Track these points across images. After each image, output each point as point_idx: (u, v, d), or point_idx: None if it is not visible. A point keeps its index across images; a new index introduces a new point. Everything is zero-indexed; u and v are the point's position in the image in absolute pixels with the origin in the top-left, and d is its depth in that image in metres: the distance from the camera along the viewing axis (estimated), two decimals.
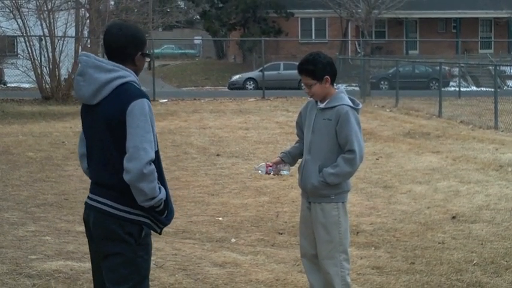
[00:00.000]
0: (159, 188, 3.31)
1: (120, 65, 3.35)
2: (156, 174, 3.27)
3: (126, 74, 3.33)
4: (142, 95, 3.30)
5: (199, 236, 6.97)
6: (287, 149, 4.79)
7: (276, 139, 14.27)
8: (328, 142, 4.41)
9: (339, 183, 4.41)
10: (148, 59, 3.50)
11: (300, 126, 4.69)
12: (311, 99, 4.57)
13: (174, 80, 40.12)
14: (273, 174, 4.74)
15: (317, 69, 4.36)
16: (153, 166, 3.24)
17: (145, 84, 26.39)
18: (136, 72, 3.44)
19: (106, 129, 3.30)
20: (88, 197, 3.49)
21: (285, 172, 4.74)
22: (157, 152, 3.36)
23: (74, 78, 3.43)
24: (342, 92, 4.48)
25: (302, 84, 4.56)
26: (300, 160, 4.70)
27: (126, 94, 3.28)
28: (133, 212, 3.34)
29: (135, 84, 3.36)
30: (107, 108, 3.29)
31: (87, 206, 3.48)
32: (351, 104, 4.41)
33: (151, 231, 3.48)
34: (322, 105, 4.45)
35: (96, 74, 3.30)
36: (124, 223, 3.34)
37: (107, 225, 3.35)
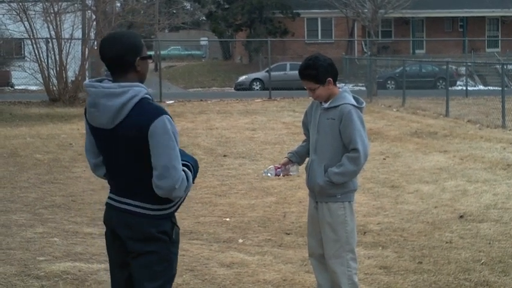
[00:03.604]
0: (185, 173, 3.33)
1: (127, 84, 3.31)
2: (184, 176, 3.32)
3: (136, 92, 3.30)
4: (161, 112, 3.29)
5: (207, 237, 6.98)
6: (294, 149, 4.80)
7: (283, 139, 14.28)
8: (333, 141, 4.42)
9: (344, 182, 4.42)
10: (150, 61, 3.48)
11: (306, 125, 4.71)
12: None
13: (181, 81, 40.17)
14: (283, 176, 4.75)
15: (319, 73, 4.38)
16: (182, 175, 3.29)
17: (151, 85, 26.47)
18: (142, 78, 3.42)
19: (128, 149, 3.31)
20: (111, 199, 3.47)
21: (294, 172, 4.75)
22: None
23: (87, 109, 3.39)
24: (346, 91, 4.49)
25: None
26: (307, 160, 4.72)
27: (145, 114, 3.26)
28: (164, 208, 3.38)
29: (149, 98, 3.34)
30: (126, 132, 3.28)
31: (112, 207, 3.46)
32: (354, 102, 4.42)
33: (180, 230, 3.53)
34: (326, 105, 4.46)
35: (109, 102, 3.28)
36: (157, 222, 3.37)
37: (140, 226, 3.36)
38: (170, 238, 3.40)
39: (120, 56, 3.33)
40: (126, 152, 3.33)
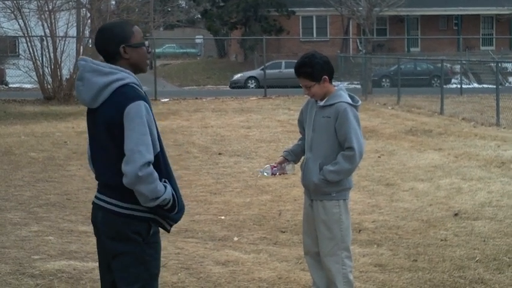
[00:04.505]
0: (165, 187, 3.30)
1: (118, 67, 3.34)
2: (155, 175, 3.25)
3: (124, 76, 3.32)
4: (139, 97, 3.28)
5: (202, 235, 6.98)
6: (289, 147, 4.81)
7: (278, 137, 14.28)
8: (328, 140, 4.42)
9: (339, 180, 4.42)
10: (146, 48, 3.45)
11: (302, 123, 4.71)
12: None
13: (176, 79, 40.13)
14: (279, 174, 4.76)
15: (315, 71, 4.37)
16: (150, 168, 3.23)
17: (146, 83, 26.38)
18: (136, 66, 3.41)
19: (106, 131, 3.31)
20: (95, 197, 3.48)
21: (290, 171, 4.75)
22: (162, 152, 3.36)
23: (75, 82, 3.44)
24: (341, 89, 4.49)
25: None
26: (302, 158, 4.72)
27: (123, 97, 3.27)
28: (141, 209, 3.34)
29: (135, 86, 3.34)
30: (106, 112, 3.29)
31: (95, 206, 3.47)
32: (349, 101, 4.42)
33: (160, 229, 3.48)
34: (321, 103, 4.46)
35: (94, 78, 3.30)
36: (132, 221, 3.34)
37: (115, 224, 3.35)
38: (144, 239, 3.37)
39: (103, 46, 3.40)
40: (105, 135, 3.32)
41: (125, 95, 3.28)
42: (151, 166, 3.24)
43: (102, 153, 3.39)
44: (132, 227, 3.34)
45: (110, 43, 3.37)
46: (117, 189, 3.34)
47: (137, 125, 3.23)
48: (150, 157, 3.24)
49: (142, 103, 3.27)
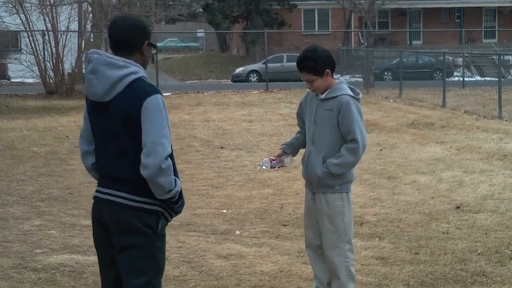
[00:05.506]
0: (175, 180, 3.34)
1: (131, 61, 3.36)
2: (172, 167, 3.30)
3: (137, 70, 3.35)
4: (156, 91, 3.33)
5: (204, 229, 6.99)
6: (288, 141, 4.82)
7: (280, 131, 14.28)
8: (331, 132, 4.42)
9: (343, 173, 4.42)
10: (154, 50, 3.52)
11: (300, 117, 4.71)
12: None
13: (178, 73, 40.09)
14: (278, 167, 4.77)
15: (318, 65, 4.37)
16: (170, 160, 3.28)
17: (148, 77, 26.25)
18: (144, 64, 3.46)
19: (121, 124, 3.31)
20: (98, 192, 3.47)
21: (288, 164, 4.77)
22: (170, 146, 3.39)
23: (85, 76, 3.41)
24: (342, 82, 4.49)
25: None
26: (302, 151, 4.72)
27: (140, 90, 3.30)
28: (150, 202, 3.37)
29: (147, 80, 3.38)
30: (121, 105, 3.29)
31: (100, 200, 3.46)
32: (351, 93, 4.42)
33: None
34: (322, 96, 4.46)
35: (109, 71, 3.31)
36: (142, 214, 3.35)
37: (125, 218, 3.35)
38: (155, 232, 3.39)
39: (130, 37, 3.38)
40: (120, 128, 3.32)
41: (141, 88, 3.31)
42: (169, 158, 3.29)
43: (113, 147, 3.38)
44: (142, 220, 3.36)
45: (137, 35, 3.40)
46: (127, 182, 3.35)
47: (158, 117, 3.27)
48: (170, 150, 3.30)
49: (160, 97, 3.32)
